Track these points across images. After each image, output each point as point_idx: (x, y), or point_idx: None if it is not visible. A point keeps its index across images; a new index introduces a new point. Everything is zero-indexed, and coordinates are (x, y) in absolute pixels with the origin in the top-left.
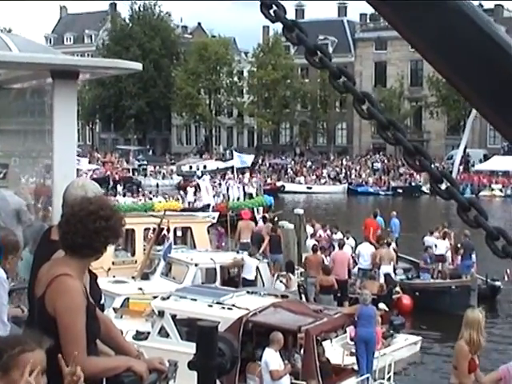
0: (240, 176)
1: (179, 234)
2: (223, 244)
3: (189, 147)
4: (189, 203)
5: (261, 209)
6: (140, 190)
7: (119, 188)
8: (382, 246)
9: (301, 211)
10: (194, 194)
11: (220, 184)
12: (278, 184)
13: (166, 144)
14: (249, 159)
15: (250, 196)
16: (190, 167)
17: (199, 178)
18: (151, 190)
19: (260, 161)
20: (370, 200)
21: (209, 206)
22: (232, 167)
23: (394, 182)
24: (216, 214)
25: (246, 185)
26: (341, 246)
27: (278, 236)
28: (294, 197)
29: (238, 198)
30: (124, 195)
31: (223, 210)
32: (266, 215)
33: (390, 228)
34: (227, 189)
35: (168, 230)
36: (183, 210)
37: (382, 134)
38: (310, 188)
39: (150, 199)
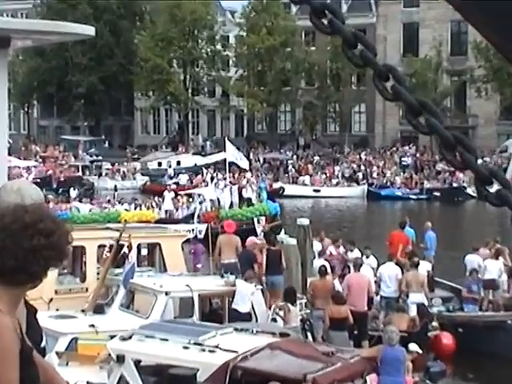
0: (235, 175)
1: (145, 252)
2: (199, 266)
3: (157, 137)
4: (166, 212)
5: (263, 219)
6: (93, 194)
7: (72, 192)
8: (411, 268)
9: (306, 221)
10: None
11: (206, 185)
12: (276, 186)
13: (126, 133)
14: (244, 163)
15: (249, 202)
16: (159, 164)
17: (171, 178)
18: (107, 195)
19: (251, 155)
20: (398, 206)
21: (192, 215)
22: (215, 163)
23: (428, 183)
24: (203, 227)
25: (244, 187)
26: (358, 268)
27: (277, 251)
28: (296, 202)
29: (232, 205)
30: (80, 201)
31: (212, 220)
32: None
33: (423, 243)
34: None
35: (130, 248)
36: (159, 221)
37: (412, 121)
38: (318, 191)
39: (114, 206)
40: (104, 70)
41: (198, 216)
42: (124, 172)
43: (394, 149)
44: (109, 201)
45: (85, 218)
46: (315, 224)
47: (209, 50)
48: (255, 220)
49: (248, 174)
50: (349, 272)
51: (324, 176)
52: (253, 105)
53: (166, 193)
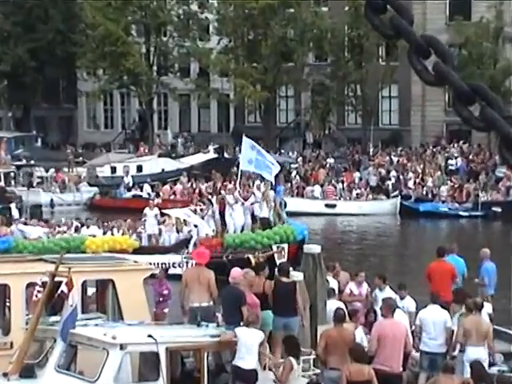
0: (240, 184)
1: (92, 292)
2: (165, 310)
3: (110, 133)
4: (150, 238)
5: (284, 248)
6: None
7: (14, 210)
8: (468, 312)
9: (316, 249)
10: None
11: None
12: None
13: (67, 128)
14: (274, 169)
15: (265, 223)
16: (113, 170)
17: (129, 189)
18: (42, 211)
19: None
20: (443, 227)
21: (187, 242)
22: (190, 169)
23: (485, 195)
24: None
25: (257, 202)
26: (391, 313)
27: (290, 284)
28: (303, 221)
29: (243, 227)
30: (25, 223)
31: (215, 249)
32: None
33: (478, 278)
34: (219, 211)
35: (70, 287)
36: (137, 250)
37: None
38: (333, 206)
39: (76, 230)
40: (36, 39)
41: (195, 244)
42: (64, 181)
43: (438, 148)
44: (69, 223)
45: (34, 246)
46: (329, 252)
47: (181, 11)
48: (274, 248)
49: (258, 183)
50: (375, 318)
51: (341, 185)
52: (242, 88)
53: (147, 210)
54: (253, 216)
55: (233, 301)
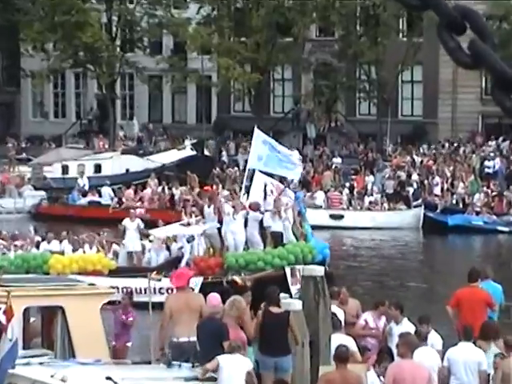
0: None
1: (37, 322)
2: (128, 344)
3: (61, 124)
4: (130, 256)
5: (300, 270)
6: None
7: None
8: (509, 352)
9: (318, 271)
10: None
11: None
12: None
13: (7, 116)
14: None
15: (277, 239)
16: (65, 170)
17: (84, 194)
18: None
19: (224, 155)
20: (477, 244)
21: (178, 262)
22: (162, 168)
23: None
24: (198, 281)
25: (268, 211)
26: (411, 351)
27: (282, 316)
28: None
29: (247, 246)
30: None
31: (214, 271)
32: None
33: None
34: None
35: (9, 316)
36: (114, 272)
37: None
38: (340, 217)
39: (37, 246)
40: None
41: (188, 264)
42: (3, 183)
43: (472, 146)
44: (29, 236)
45: None
46: (335, 275)
47: None
48: (288, 272)
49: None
50: (392, 358)
51: (349, 192)
52: (227, 68)
53: (126, 221)
54: (261, 228)
55: (212, 335)
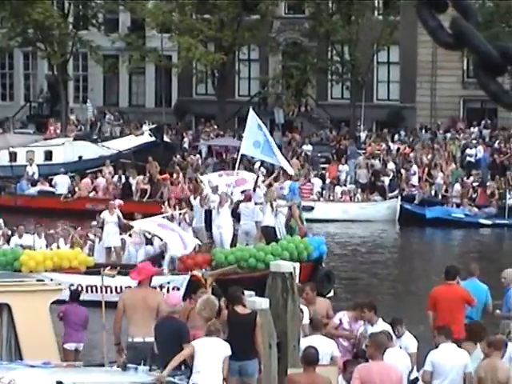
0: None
1: None
2: (80, 346)
3: (8, 107)
4: (110, 252)
5: (296, 267)
6: None
7: None
8: (490, 352)
9: (287, 266)
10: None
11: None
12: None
13: None
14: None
15: (270, 234)
16: (12, 157)
17: (34, 184)
18: None
19: (185, 141)
20: (457, 238)
21: (160, 258)
22: (118, 156)
23: None
24: (179, 280)
25: (258, 204)
26: (379, 351)
27: (248, 317)
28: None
29: (234, 238)
30: None
31: (199, 268)
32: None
33: (504, 307)
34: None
35: None
36: (92, 269)
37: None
38: (310, 209)
39: (8, 240)
40: None
41: (173, 260)
42: None
43: (452, 132)
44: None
45: None
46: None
47: None
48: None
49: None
50: (362, 358)
51: (320, 181)
52: (189, 48)
53: (105, 214)
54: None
55: (170, 336)
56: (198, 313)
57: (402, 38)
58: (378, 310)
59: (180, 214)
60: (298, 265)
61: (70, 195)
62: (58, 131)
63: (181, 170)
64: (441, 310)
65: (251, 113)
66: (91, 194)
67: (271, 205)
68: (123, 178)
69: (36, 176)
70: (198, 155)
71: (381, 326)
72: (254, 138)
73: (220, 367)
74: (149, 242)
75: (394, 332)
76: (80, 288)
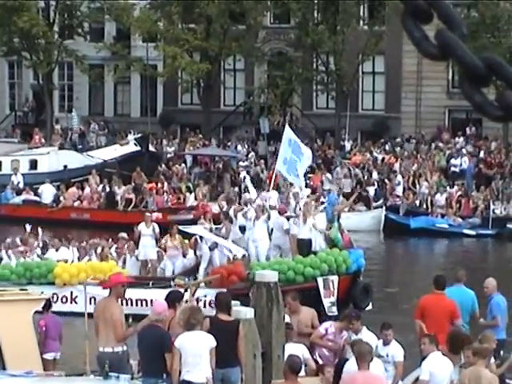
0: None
1: None
2: (57, 356)
3: None
4: (146, 264)
5: (334, 281)
6: None
7: None
8: (475, 360)
9: (271, 276)
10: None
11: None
12: (215, 208)
13: None
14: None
15: (306, 246)
16: None
17: (19, 193)
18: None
19: (169, 150)
20: (441, 248)
21: (196, 271)
22: (103, 165)
23: (498, 207)
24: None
25: (292, 217)
26: (367, 362)
27: (231, 324)
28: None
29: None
30: None
31: (238, 281)
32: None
33: (487, 316)
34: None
35: None
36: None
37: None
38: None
39: (43, 252)
40: None
41: (207, 274)
42: None
43: (437, 143)
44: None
45: None
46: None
47: None
48: (320, 283)
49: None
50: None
51: (308, 190)
52: (174, 57)
53: (142, 226)
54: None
55: (153, 345)
56: (177, 322)
57: (387, 48)
58: (362, 320)
59: (216, 228)
60: (336, 278)
61: (54, 204)
62: (43, 140)
63: (166, 179)
64: (428, 319)
65: (286, 129)
66: (76, 204)
67: (305, 218)
68: (107, 187)
69: (21, 185)
70: (183, 164)
71: (365, 334)
72: (285, 155)
73: (207, 359)
74: (184, 254)
75: (382, 337)
76: None
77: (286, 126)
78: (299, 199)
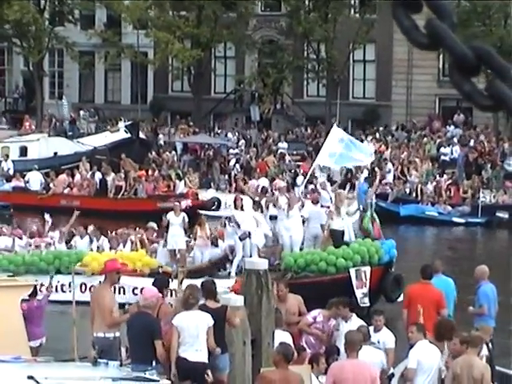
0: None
1: None
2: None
3: None
4: (175, 254)
5: (366, 272)
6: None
7: None
8: (463, 349)
9: (261, 264)
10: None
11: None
12: (203, 196)
13: None
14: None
15: (338, 237)
16: None
17: (9, 179)
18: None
19: (161, 138)
20: (430, 236)
21: (225, 261)
22: (93, 152)
23: (487, 195)
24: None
25: (324, 207)
26: (354, 349)
27: (219, 311)
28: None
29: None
30: None
31: None
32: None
33: (474, 305)
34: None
35: None
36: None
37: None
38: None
39: (68, 242)
40: None
41: (238, 266)
42: None
43: (427, 131)
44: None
45: (11, 262)
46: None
47: None
48: (352, 274)
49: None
50: (338, 354)
51: (302, 178)
52: (166, 44)
53: (171, 215)
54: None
55: (142, 332)
56: (173, 311)
57: (378, 36)
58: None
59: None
60: (368, 268)
61: (44, 191)
62: (34, 127)
63: (156, 166)
64: (416, 308)
65: (334, 127)
66: (66, 191)
67: (338, 208)
68: (98, 174)
69: (11, 172)
70: (173, 152)
71: (355, 321)
72: (332, 150)
73: (204, 339)
74: (214, 244)
75: (373, 323)
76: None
77: (334, 126)
78: (327, 189)
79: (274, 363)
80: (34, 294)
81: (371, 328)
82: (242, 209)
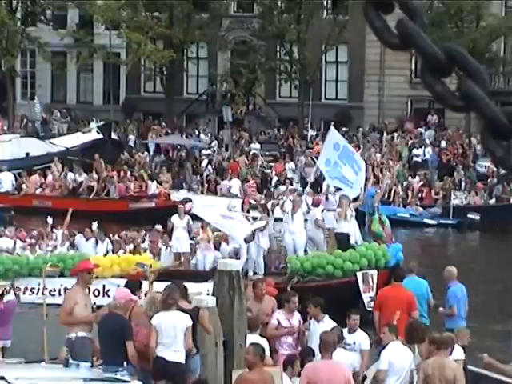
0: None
1: None
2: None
3: None
4: (179, 257)
5: (374, 275)
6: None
7: None
8: (434, 350)
9: (233, 265)
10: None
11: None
12: (176, 197)
13: None
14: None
15: (344, 241)
16: None
17: None
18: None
19: (131, 139)
20: (402, 238)
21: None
22: (65, 153)
23: (459, 197)
24: None
25: (329, 210)
26: (328, 350)
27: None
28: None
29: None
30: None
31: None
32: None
33: (445, 306)
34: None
35: None
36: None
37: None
38: (255, 207)
39: (72, 244)
40: None
41: (242, 268)
42: None
43: (400, 133)
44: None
45: (15, 262)
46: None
47: None
48: (359, 277)
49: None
50: (311, 358)
51: (276, 179)
52: (138, 44)
53: (175, 218)
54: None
55: (114, 333)
56: (144, 311)
57: (350, 37)
58: (323, 308)
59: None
60: (375, 272)
61: (16, 192)
62: (5, 128)
63: (128, 167)
64: (388, 310)
65: (331, 129)
66: (38, 191)
67: (344, 212)
68: (70, 174)
69: None
70: (145, 153)
71: (327, 323)
72: (328, 156)
73: (182, 340)
74: (217, 247)
75: (349, 323)
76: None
77: (331, 127)
78: (332, 193)
79: (248, 364)
80: (1, 296)
81: (345, 330)
82: (248, 212)
